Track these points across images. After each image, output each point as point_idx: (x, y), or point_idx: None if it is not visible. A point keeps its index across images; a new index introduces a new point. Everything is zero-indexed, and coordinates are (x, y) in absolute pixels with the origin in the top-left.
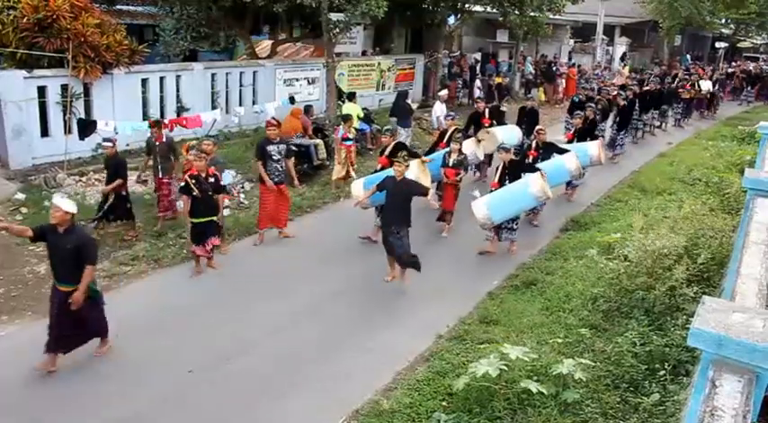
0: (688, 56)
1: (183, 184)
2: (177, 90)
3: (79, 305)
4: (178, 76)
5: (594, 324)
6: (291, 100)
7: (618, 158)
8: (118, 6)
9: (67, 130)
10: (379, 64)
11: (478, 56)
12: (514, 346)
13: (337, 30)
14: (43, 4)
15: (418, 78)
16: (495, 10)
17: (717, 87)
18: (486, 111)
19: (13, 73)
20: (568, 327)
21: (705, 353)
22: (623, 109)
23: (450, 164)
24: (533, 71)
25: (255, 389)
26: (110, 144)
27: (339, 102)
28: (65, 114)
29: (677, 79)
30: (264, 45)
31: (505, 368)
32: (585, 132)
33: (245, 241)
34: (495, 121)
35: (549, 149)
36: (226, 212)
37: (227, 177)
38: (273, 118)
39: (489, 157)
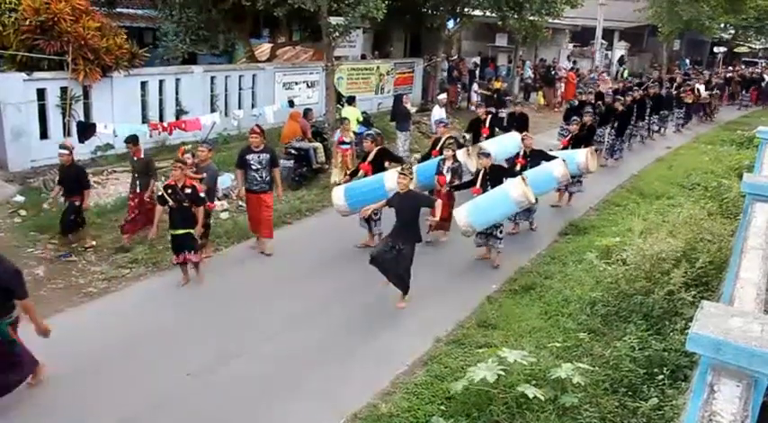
0: (687, 60)
1: (159, 193)
2: (176, 93)
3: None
4: (177, 79)
5: (593, 328)
6: (291, 103)
7: (617, 164)
8: (118, 9)
9: (67, 133)
10: (377, 68)
11: (478, 60)
12: (513, 351)
13: (337, 33)
14: (44, 6)
15: (417, 82)
16: (494, 14)
17: (715, 91)
18: (487, 120)
19: (12, 75)
20: (567, 331)
21: (703, 357)
22: (622, 114)
23: (445, 171)
24: (532, 75)
25: (254, 392)
26: (65, 152)
27: (338, 105)
28: (64, 117)
29: (675, 83)
30: (264, 48)
31: (504, 372)
32: (582, 139)
33: (243, 244)
34: (496, 128)
35: (537, 157)
36: (224, 216)
37: (226, 181)
38: (257, 126)
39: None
